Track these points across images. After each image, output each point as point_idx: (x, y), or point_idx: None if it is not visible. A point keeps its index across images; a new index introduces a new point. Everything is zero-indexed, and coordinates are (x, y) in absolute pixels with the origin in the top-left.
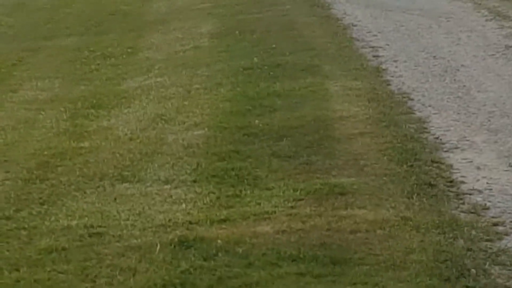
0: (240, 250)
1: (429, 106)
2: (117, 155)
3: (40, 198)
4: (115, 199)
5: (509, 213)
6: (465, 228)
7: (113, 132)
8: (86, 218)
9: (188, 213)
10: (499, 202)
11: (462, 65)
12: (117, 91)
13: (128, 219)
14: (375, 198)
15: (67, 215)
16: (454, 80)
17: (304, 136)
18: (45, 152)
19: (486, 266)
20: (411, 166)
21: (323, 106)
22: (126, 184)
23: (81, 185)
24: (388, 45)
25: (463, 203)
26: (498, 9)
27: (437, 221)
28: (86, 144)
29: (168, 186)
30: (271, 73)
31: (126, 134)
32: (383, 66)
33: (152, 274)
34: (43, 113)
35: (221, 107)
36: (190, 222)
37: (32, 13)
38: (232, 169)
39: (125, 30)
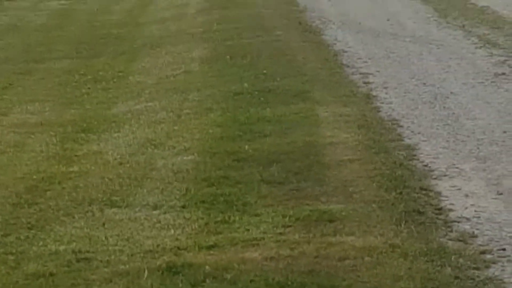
0: (228, 277)
1: (419, 133)
2: (106, 179)
3: (28, 222)
4: (104, 224)
5: (496, 241)
6: (453, 256)
7: (103, 156)
8: (74, 243)
9: (177, 239)
10: (487, 230)
11: (452, 92)
12: (107, 115)
13: (116, 245)
14: (364, 225)
15: (55, 240)
16: (444, 107)
17: (294, 162)
18: (34, 176)
19: None
20: (400, 193)
21: (313, 132)
22: (115, 209)
23: (69, 210)
24: (378, 71)
25: (451, 231)
26: (487, 37)
27: (425, 249)
28: (76, 168)
29: (157, 212)
30: (262, 98)
31: (115, 159)
32: (373, 93)
33: None
34: (32, 136)
35: (211, 133)
36: (179, 248)
37: (24, 36)
38: (221, 195)
39: (117, 54)
